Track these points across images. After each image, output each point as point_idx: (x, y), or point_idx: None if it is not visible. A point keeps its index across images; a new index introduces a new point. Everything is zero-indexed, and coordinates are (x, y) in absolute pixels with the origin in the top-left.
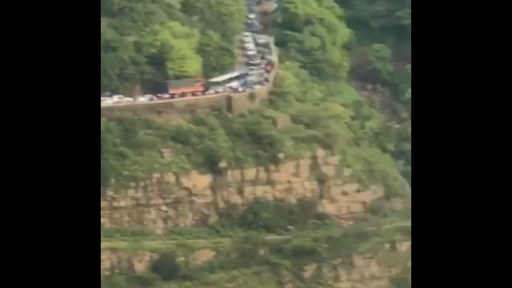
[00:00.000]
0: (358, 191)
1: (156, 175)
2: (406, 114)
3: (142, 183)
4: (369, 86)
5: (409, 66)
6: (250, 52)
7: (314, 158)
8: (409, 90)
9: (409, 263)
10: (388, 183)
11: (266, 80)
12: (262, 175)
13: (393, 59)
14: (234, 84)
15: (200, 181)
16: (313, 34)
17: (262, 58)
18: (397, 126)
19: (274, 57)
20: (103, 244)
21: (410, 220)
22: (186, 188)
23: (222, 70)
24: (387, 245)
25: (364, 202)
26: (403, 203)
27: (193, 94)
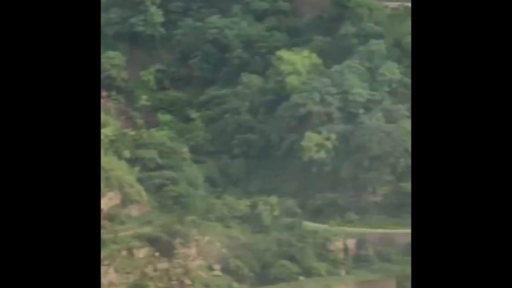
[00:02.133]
0: None
1: None
2: (141, 121)
3: None
4: (104, 93)
5: (142, 73)
6: None
7: None
8: (144, 97)
9: (146, 269)
10: (125, 190)
11: None
12: None
13: (127, 66)
14: None
15: None
16: None
17: None
18: (132, 133)
19: None
20: None
21: (146, 227)
22: None
23: None
24: (124, 252)
25: (101, 210)
26: (139, 210)
27: None
